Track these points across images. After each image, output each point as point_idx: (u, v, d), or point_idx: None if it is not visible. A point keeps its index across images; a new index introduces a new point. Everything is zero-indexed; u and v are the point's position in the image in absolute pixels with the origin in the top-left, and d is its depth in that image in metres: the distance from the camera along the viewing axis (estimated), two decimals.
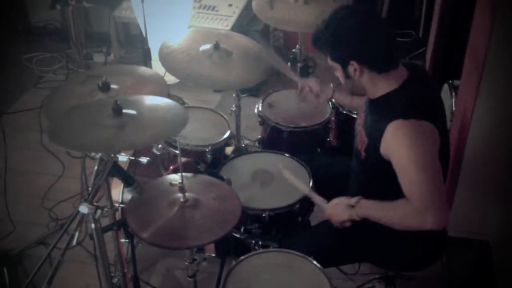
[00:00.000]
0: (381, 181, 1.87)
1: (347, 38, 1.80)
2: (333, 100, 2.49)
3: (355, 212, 1.87)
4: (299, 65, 2.90)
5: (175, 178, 1.93)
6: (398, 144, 1.75)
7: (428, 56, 3.66)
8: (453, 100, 2.70)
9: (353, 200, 1.88)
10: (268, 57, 2.46)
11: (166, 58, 2.39)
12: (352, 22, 1.80)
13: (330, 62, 1.88)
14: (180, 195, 1.85)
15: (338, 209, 1.92)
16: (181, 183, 1.84)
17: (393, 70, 1.84)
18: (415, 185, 1.73)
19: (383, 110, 1.82)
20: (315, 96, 2.42)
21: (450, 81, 2.79)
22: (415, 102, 1.82)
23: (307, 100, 2.51)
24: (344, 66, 1.83)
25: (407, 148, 1.73)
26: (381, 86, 1.84)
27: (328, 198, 2.00)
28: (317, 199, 2.04)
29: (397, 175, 1.77)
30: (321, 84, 2.40)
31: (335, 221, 1.94)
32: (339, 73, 1.89)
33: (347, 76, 1.86)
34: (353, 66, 1.81)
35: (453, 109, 2.68)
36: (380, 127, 1.79)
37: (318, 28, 1.85)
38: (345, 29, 1.80)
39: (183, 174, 1.87)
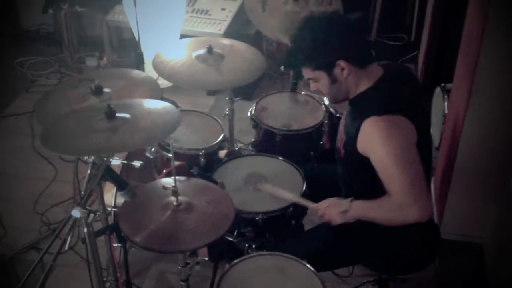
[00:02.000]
0: (363, 178, 1.88)
1: (329, 39, 1.81)
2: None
3: (348, 215, 1.88)
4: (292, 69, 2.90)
5: (168, 181, 1.92)
6: (374, 140, 1.77)
7: (420, 59, 3.68)
8: (445, 103, 2.71)
9: (344, 206, 1.88)
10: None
11: (159, 65, 2.39)
12: (324, 25, 1.83)
13: (311, 74, 1.87)
14: (173, 198, 1.85)
15: (331, 215, 1.92)
16: (174, 186, 1.84)
17: (371, 65, 1.86)
18: (394, 180, 1.75)
19: (359, 108, 1.85)
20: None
21: (442, 85, 2.80)
22: (389, 98, 1.83)
23: (299, 101, 2.51)
24: (330, 70, 1.83)
25: (382, 144, 1.75)
26: (362, 83, 1.86)
27: (322, 199, 2.00)
28: (306, 204, 2.04)
29: (376, 170, 1.79)
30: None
31: (329, 222, 1.94)
32: (322, 82, 1.87)
33: (333, 80, 1.85)
34: (339, 66, 1.82)
35: (445, 112, 2.69)
36: (355, 124, 1.81)
37: (291, 45, 1.86)
38: (322, 32, 1.81)
39: (177, 177, 1.86)
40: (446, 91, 2.77)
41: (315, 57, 1.83)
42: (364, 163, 1.81)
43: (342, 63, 1.81)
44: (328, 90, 1.88)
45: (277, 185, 2.11)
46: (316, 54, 1.82)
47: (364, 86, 1.86)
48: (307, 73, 1.88)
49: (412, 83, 2.00)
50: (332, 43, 1.80)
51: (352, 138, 1.83)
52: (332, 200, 1.94)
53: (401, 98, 1.86)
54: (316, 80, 1.88)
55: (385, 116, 1.76)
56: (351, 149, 1.84)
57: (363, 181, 1.89)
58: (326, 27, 1.82)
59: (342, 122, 2.01)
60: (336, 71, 1.83)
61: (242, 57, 2.49)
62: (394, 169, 1.74)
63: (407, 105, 1.85)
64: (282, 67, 2.94)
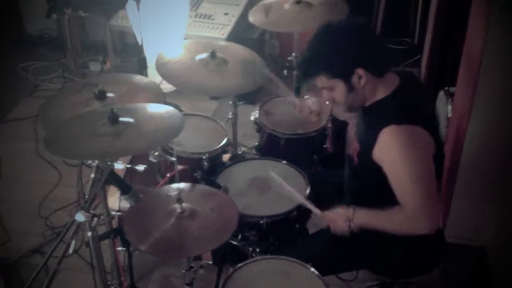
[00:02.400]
0: (373, 186, 1.87)
1: (349, 46, 1.78)
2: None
3: (353, 225, 1.87)
4: (295, 73, 2.91)
5: (172, 189, 1.92)
6: (392, 150, 1.75)
7: (424, 63, 3.68)
8: (449, 107, 2.71)
9: (349, 214, 1.87)
10: (265, 81, 2.44)
11: (163, 68, 2.40)
12: (344, 32, 1.80)
13: (326, 82, 1.83)
14: (177, 205, 1.85)
15: (336, 222, 1.91)
16: (178, 194, 1.84)
17: (388, 74, 1.85)
18: (407, 193, 1.74)
19: (376, 116, 1.82)
20: (315, 115, 2.38)
21: (446, 88, 2.80)
22: (408, 108, 1.82)
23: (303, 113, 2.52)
24: (347, 79, 1.80)
25: (401, 156, 1.73)
26: (378, 92, 1.84)
27: (326, 204, 2.00)
28: (312, 209, 2.04)
29: (389, 180, 1.77)
30: (320, 102, 2.36)
31: (335, 231, 1.94)
32: (338, 91, 1.83)
33: (350, 89, 1.81)
34: (357, 75, 1.78)
35: (449, 115, 2.69)
36: (372, 133, 1.78)
37: (307, 52, 1.83)
38: (341, 40, 1.79)
39: (181, 184, 1.87)
40: (450, 95, 2.76)
41: (333, 65, 1.79)
42: (378, 172, 1.79)
43: (360, 71, 1.78)
44: (344, 99, 1.84)
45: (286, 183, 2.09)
46: (334, 61, 1.78)
47: (381, 94, 1.84)
48: (322, 81, 1.83)
49: (424, 91, 2.00)
50: (351, 50, 1.77)
51: (368, 147, 1.80)
52: (337, 211, 1.92)
53: (419, 109, 1.84)
54: (331, 89, 1.84)
55: (405, 126, 1.74)
56: (366, 158, 1.81)
57: (374, 190, 1.87)
58: (346, 35, 1.79)
59: (353, 129, 1.98)
60: (354, 79, 1.79)
61: (245, 63, 2.48)
62: (409, 181, 1.73)
63: (426, 116, 1.84)
64: (285, 71, 2.94)
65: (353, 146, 1.93)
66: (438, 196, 1.78)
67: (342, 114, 2.45)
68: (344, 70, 1.79)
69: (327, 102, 2.17)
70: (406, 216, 1.75)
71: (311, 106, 2.39)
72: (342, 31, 1.80)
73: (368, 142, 1.81)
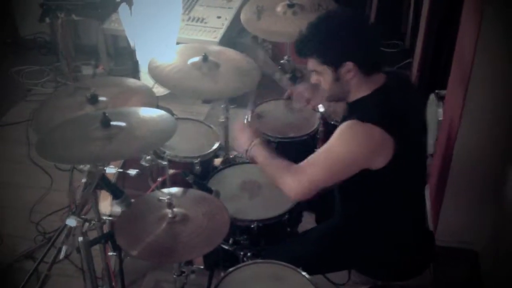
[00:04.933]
0: (354, 180, 1.85)
1: (346, 37, 1.78)
2: (321, 107, 2.48)
3: (248, 152, 1.98)
4: (287, 75, 2.91)
5: (164, 194, 1.92)
6: (338, 134, 1.79)
7: (415, 66, 3.69)
8: (440, 110, 2.72)
9: (248, 144, 1.98)
10: (259, 62, 2.46)
11: (155, 71, 2.40)
12: (345, 22, 1.81)
13: (316, 66, 1.84)
14: (168, 210, 1.84)
15: (239, 139, 2.03)
16: (169, 198, 1.84)
17: (376, 73, 1.85)
18: (313, 162, 1.82)
19: (353, 112, 1.84)
20: (305, 102, 2.40)
21: (437, 91, 2.81)
22: (382, 109, 1.81)
23: (294, 108, 2.52)
24: (336, 68, 1.81)
25: (336, 140, 1.79)
26: (362, 89, 1.85)
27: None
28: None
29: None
30: (311, 89, 2.36)
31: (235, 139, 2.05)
32: (325, 78, 1.85)
33: (336, 79, 1.82)
34: (347, 67, 1.79)
35: (440, 118, 2.70)
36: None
37: (306, 32, 1.83)
38: (341, 28, 1.79)
39: (173, 189, 1.86)
40: (441, 98, 2.77)
41: (326, 51, 1.80)
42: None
43: (350, 65, 1.79)
44: (328, 86, 1.86)
45: None
46: (328, 47, 1.80)
47: (363, 92, 1.85)
48: (313, 64, 1.85)
49: (411, 93, 2.00)
50: (347, 42, 1.78)
51: None
52: (246, 133, 2.03)
53: (392, 111, 1.83)
54: (319, 74, 1.86)
55: (363, 123, 1.75)
56: None
57: (356, 184, 1.87)
58: (346, 25, 1.80)
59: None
60: (342, 71, 1.80)
61: (237, 67, 2.49)
62: (320, 161, 1.81)
63: (397, 118, 1.82)
64: (277, 75, 2.94)
65: None
66: (318, 188, 1.83)
67: (335, 108, 2.45)
68: (335, 59, 1.80)
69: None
70: (289, 175, 1.84)
71: (303, 91, 2.38)
72: (343, 22, 1.81)
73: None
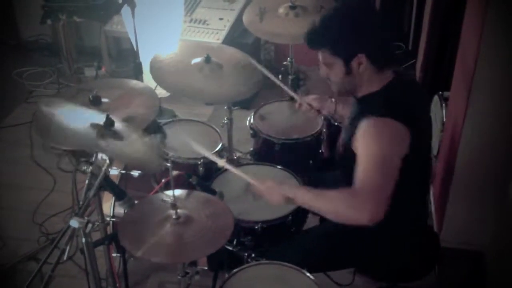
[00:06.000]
0: None
1: (359, 29, 1.77)
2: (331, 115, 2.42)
3: (293, 202, 1.85)
4: (290, 77, 2.91)
5: (168, 195, 1.92)
6: (365, 139, 1.75)
7: (418, 67, 3.69)
8: (444, 111, 2.72)
9: (289, 192, 1.84)
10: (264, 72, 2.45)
11: (158, 72, 2.40)
12: (360, 14, 1.80)
13: (327, 58, 1.82)
14: (172, 211, 1.84)
15: (272, 196, 1.88)
16: (173, 200, 1.83)
17: (387, 69, 1.84)
18: (363, 180, 1.70)
19: (363, 108, 1.83)
20: (315, 113, 2.36)
21: (440, 93, 2.81)
22: (394, 103, 1.81)
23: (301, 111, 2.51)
24: (348, 60, 1.79)
25: (369, 143, 1.73)
26: (371, 84, 1.84)
27: None
28: (219, 162, 2.04)
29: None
30: (320, 99, 2.34)
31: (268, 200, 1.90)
32: (336, 70, 1.82)
33: (348, 72, 1.80)
34: (358, 60, 1.78)
35: (444, 120, 2.70)
36: (356, 122, 1.79)
37: (318, 23, 1.81)
38: (355, 20, 1.78)
39: (177, 190, 1.86)
40: (444, 99, 2.77)
41: (339, 42, 1.78)
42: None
43: (362, 58, 1.77)
44: (339, 79, 1.84)
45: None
46: (341, 39, 1.78)
47: (373, 87, 1.84)
48: (324, 56, 1.83)
49: (418, 91, 2.00)
50: (360, 34, 1.77)
51: (350, 135, 1.82)
52: (276, 186, 1.88)
53: (404, 105, 1.84)
54: (330, 66, 1.84)
55: (383, 119, 1.74)
56: (348, 148, 1.83)
57: None
58: (361, 17, 1.79)
59: (345, 124, 2.00)
60: (354, 63, 1.79)
61: (240, 71, 2.48)
62: (367, 169, 1.71)
63: (411, 113, 1.83)
64: (280, 76, 2.94)
65: (341, 137, 1.95)
66: (388, 195, 1.70)
67: (344, 114, 2.44)
68: (347, 50, 1.78)
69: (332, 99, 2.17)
70: (352, 199, 1.69)
71: (311, 102, 2.36)
72: (357, 15, 1.80)
73: (351, 130, 1.82)
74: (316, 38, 1.82)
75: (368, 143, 1.74)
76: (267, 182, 1.90)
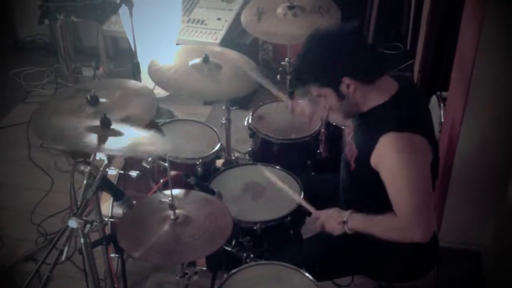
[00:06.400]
0: (369, 192, 1.88)
1: (333, 56, 1.80)
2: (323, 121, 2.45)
3: (346, 227, 1.87)
4: (288, 77, 2.91)
5: (166, 195, 1.92)
6: (391, 158, 1.75)
7: (416, 68, 3.69)
8: (442, 111, 2.72)
9: (344, 216, 1.88)
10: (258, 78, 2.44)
11: (155, 73, 2.39)
12: (328, 42, 1.82)
13: (318, 91, 1.86)
14: (170, 212, 1.84)
15: (330, 222, 1.92)
16: (171, 200, 1.83)
17: (382, 79, 1.85)
18: (403, 201, 1.74)
19: (375, 122, 1.83)
20: (308, 120, 2.38)
21: (438, 93, 2.81)
22: (408, 115, 1.82)
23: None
24: (336, 87, 1.82)
25: (399, 164, 1.74)
26: (373, 97, 1.84)
27: (319, 209, 2.00)
28: (309, 208, 2.04)
29: (386, 187, 1.78)
30: (313, 106, 2.34)
31: (327, 231, 1.94)
32: (330, 100, 1.86)
33: (341, 97, 1.83)
34: (345, 83, 1.80)
35: (442, 120, 2.70)
36: (372, 139, 1.78)
37: (297, 64, 1.87)
38: (327, 48, 1.81)
39: (176, 190, 1.86)
40: (442, 100, 2.77)
41: (320, 75, 1.82)
42: (375, 178, 1.80)
43: (347, 80, 1.80)
44: (337, 106, 1.87)
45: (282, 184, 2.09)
46: (321, 72, 1.82)
47: (377, 100, 1.84)
48: (315, 89, 1.87)
49: (421, 98, 2.01)
50: (337, 60, 1.79)
51: (366, 152, 1.81)
52: (332, 211, 1.93)
53: (419, 117, 1.86)
54: (324, 97, 1.87)
55: (405, 134, 1.75)
56: (364, 164, 1.82)
57: (370, 195, 1.88)
58: (332, 44, 1.81)
59: (350, 134, 1.98)
60: (343, 87, 1.81)
61: (237, 69, 2.48)
62: (405, 191, 1.73)
63: (425, 124, 1.85)
64: (278, 76, 2.94)
65: (350, 151, 1.93)
66: (432, 207, 1.78)
67: (337, 120, 2.45)
68: (330, 79, 1.82)
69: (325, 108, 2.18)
70: (399, 224, 1.76)
71: (304, 108, 2.37)
72: (328, 40, 1.82)
73: (367, 147, 1.81)
74: (300, 78, 1.88)
75: (397, 164, 1.74)
76: (324, 212, 1.95)
